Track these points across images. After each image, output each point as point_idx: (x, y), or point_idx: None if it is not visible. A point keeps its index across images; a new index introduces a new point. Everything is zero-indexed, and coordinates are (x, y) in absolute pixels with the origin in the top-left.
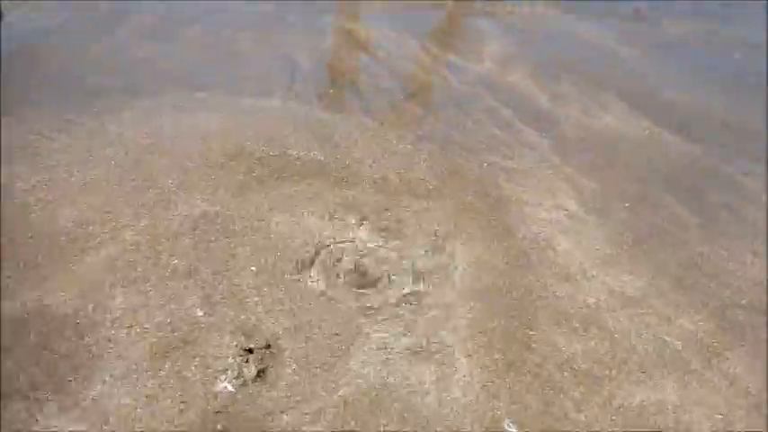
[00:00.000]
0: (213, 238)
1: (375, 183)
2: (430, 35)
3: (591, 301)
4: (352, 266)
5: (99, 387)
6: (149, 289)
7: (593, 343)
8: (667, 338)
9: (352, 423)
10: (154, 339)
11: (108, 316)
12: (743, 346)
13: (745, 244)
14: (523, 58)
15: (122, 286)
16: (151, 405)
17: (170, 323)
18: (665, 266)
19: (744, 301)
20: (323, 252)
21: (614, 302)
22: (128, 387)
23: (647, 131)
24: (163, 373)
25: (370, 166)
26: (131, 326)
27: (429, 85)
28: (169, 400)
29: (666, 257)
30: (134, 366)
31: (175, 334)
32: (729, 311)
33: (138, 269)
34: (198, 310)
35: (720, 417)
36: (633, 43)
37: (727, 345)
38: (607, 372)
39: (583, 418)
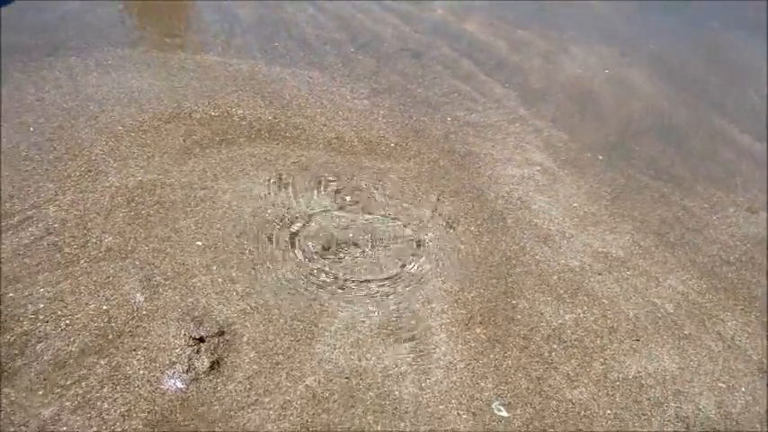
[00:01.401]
0: (151, 212)
1: (330, 143)
2: None
3: (574, 264)
4: (312, 236)
5: (14, 396)
6: (78, 273)
7: (580, 311)
8: (657, 301)
9: (324, 417)
10: (86, 332)
11: (30, 307)
12: (736, 305)
13: (725, 194)
14: (478, 6)
15: (46, 271)
16: (86, 411)
17: (105, 311)
18: (648, 222)
19: (732, 257)
20: (277, 222)
21: (599, 265)
22: (57, 390)
23: (607, 71)
24: (99, 370)
25: (325, 125)
26: (58, 317)
27: (381, 35)
28: (107, 404)
29: (648, 213)
30: (63, 364)
31: (112, 324)
32: (719, 269)
33: (65, 250)
34: (137, 294)
35: (723, 385)
36: None
37: (721, 305)
38: (598, 342)
39: (578, 395)
